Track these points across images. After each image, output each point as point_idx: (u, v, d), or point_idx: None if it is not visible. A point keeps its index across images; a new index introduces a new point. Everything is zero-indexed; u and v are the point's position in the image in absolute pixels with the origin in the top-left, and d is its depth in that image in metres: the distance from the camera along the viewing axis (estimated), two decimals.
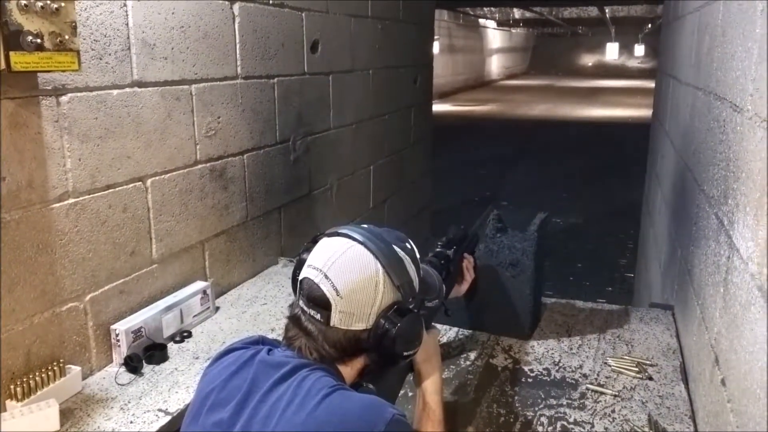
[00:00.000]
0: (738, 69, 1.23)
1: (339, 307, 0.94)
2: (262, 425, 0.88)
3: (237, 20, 2.08)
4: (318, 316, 0.95)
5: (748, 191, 1.06)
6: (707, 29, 1.73)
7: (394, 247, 1.00)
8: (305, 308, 0.97)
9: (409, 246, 1.05)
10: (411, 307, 0.99)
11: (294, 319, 0.99)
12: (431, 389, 1.11)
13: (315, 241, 1.03)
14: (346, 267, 0.95)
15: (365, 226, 1.03)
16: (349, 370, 1.00)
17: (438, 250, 1.45)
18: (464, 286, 1.53)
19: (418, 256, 1.06)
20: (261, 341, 1.03)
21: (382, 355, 0.98)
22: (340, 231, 1.01)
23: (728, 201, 1.22)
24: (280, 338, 1.02)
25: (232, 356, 0.99)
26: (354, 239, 0.98)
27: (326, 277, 0.95)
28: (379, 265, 0.96)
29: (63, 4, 1.32)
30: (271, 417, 0.88)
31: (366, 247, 0.97)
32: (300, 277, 0.99)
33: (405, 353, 0.99)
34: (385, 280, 0.96)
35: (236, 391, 0.93)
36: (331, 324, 0.94)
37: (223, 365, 0.99)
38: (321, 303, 0.94)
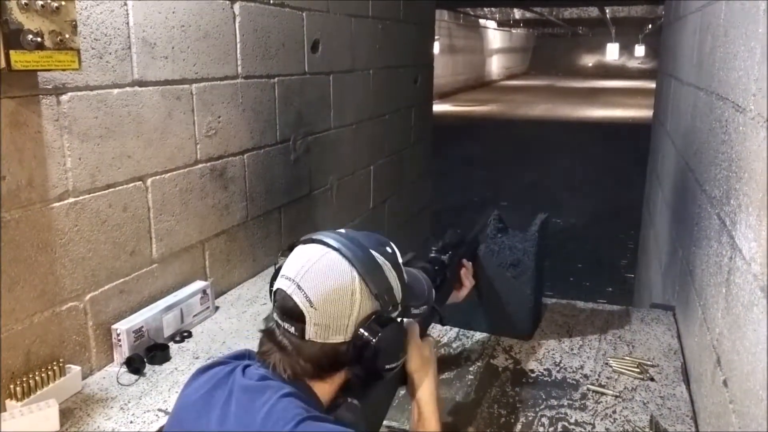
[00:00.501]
0: (740, 69, 1.23)
1: (314, 319, 0.88)
2: None
3: (237, 20, 2.08)
4: (292, 330, 0.89)
5: (751, 191, 1.06)
6: (709, 29, 1.73)
7: (373, 252, 0.94)
8: (279, 321, 0.92)
9: (389, 250, 0.99)
10: (393, 315, 0.94)
11: (268, 333, 0.94)
12: (426, 399, 1.06)
13: (291, 248, 0.97)
14: (319, 276, 0.89)
15: (343, 231, 0.98)
16: (327, 387, 0.95)
17: (432, 255, 1.40)
18: (463, 292, 1.48)
19: (400, 260, 1.00)
20: (246, 355, 0.98)
21: (363, 368, 0.92)
22: (314, 237, 0.95)
23: (730, 201, 1.22)
24: None
25: (210, 373, 0.95)
26: (328, 245, 0.92)
27: (299, 287, 0.89)
28: (355, 272, 0.90)
29: (63, 3, 1.31)
30: None
31: (341, 253, 0.91)
32: (274, 288, 0.95)
33: (387, 366, 0.94)
34: (362, 288, 0.90)
35: (206, 413, 0.89)
36: (307, 337, 0.89)
37: (199, 383, 0.95)
38: (294, 315, 0.89)
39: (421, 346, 1.09)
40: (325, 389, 0.94)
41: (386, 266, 0.95)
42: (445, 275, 1.38)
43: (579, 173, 8.46)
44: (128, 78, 1.65)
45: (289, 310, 0.90)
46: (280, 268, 0.95)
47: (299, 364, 0.90)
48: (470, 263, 1.51)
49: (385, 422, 1.17)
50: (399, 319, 0.96)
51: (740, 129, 1.19)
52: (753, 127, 1.07)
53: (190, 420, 0.91)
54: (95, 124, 1.56)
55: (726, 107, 1.35)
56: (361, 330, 0.90)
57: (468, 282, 1.48)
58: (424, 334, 1.15)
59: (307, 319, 0.88)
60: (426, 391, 1.07)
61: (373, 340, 0.89)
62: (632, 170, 5.76)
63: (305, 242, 0.96)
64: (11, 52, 1.22)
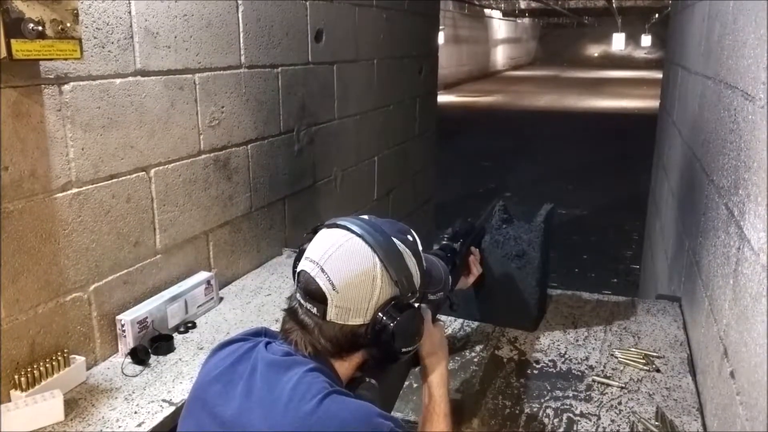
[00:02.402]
0: (750, 57, 1.21)
1: (335, 301, 0.91)
2: (247, 422, 0.87)
3: (240, 9, 2.06)
4: (314, 310, 0.93)
5: (760, 181, 1.04)
6: (718, 17, 1.70)
7: (394, 239, 0.97)
8: (302, 301, 0.95)
9: (410, 238, 1.01)
10: (411, 302, 0.97)
11: (291, 312, 0.97)
12: (437, 382, 1.09)
13: (315, 232, 1.00)
14: (342, 260, 0.93)
15: (366, 217, 1.01)
16: (346, 365, 0.97)
17: (444, 243, 1.44)
18: (470, 279, 1.52)
19: (420, 248, 1.03)
20: (263, 333, 1.02)
21: (380, 351, 0.96)
22: (339, 222, 0.98)
23: (739, 191, 1.20)
24: None
25: (230, 348, 0.98)
26: (352, 231, 0.95)
27: (322, 270, 0.92)
28: (377, 258, 0.93)
29: None
30: (258, 415, 0.87)
31: (364, 239, 0.94)
32: (298, 269, 0.97)
33: (404, 350, 0.97)
34: (382, 275, 0.93)
35: (231, 387, 0.92)
36: (328, 318, 0.92)
37: (220, 357, 0.97)
38: (317, 297, 0.92)
39: (432, 331, 1.12)
40: (344, 367, 0.97)
41: (407, 253, 0.97)
42: (455, 262, 1.41)
43: (584, 164, 8.42)
44: (131, 68, 1.64)
45: (312, 292, 0.92)
46: (304, 250, 0.98)
47: (320, 343, 0.93)
48: (477, 250, 1.54)
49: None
50: (417, 305, 0.98)
51: (749, 118, 1.17)
52: (762, 116, 1.06)
53: (214, 393, 0.93)
54: (98, 114, 1.55)
55: (735, 96, 1.33)
56: (380, 314, 0.93)
57: (476, 269, 1.52)
58: (434, 319, 1.17)
59: (329, 301, 0.91)
60: (437, 374, 1.10)
61: (391, 324, 0.92)
62: (638, 161, 5.73)
63: (330, 226, 0.98)
64: (12, 41, 1.21)
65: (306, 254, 0.97)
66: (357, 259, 0.93)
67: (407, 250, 0.98)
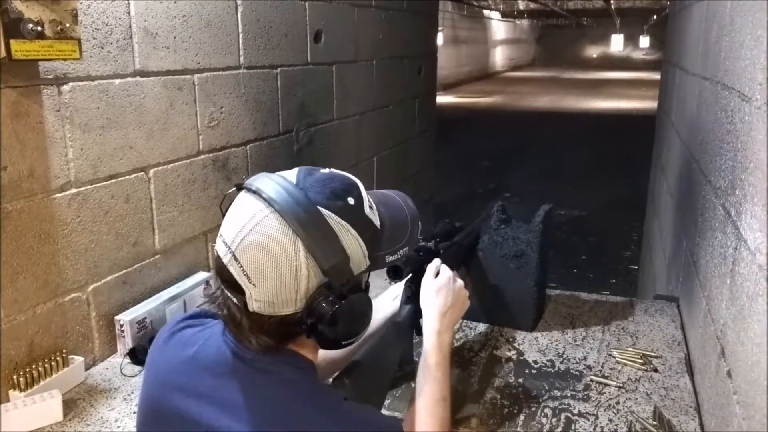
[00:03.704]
0: (747, 58, 1.21)
1: (254, 295, 0.78)
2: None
3: (240, 9, 2.06)
4: (235, 300, 0.80)
5: (757, 181, 1.05)
6: (715, 18, 1.71)
7: (324, 212, 0.79)
8: (222, 287, 0.82)
9: (351, 201, 0.83)
10: (353, 286, 0.82)
11: (215, 297, 0.85)
12: (427, 336, 1.04)
13: (239, 190, 0.83)
14: (256, 248, 0.77)
15: (294, 175, 0.84)
16: (307, 347, 0.87)
17: (420, 244, 1.34)
18: None
19: (367, 208, 0.85)
20: (204, 314, 0.95)
21: (320, 341, 0.82)
22: (255, 186, 0.80)
23: (736, 192, 1.21)
24: None
25: (184, 338, 0.91)
26: (269, 204, 0.78)
27: (235, 258, 0.78)
28: (299, 244, 0.76)
29: None
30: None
31: (283, 217, 0.77)
32: (215, 246, 0.82)
33: (344, 342, 0.84)
34: (308, 263, 0.77)
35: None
36: (251, 310, 0.79)
37: (175, 350, 0.90)
38: (234, 287, 0.79)
39: (433, 283, 1.09)
40: (306, 349, 0.87)
41: (342, 228, 0.80)
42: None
43: (583, 164, 8.43)
44: (130, 68, 1.64)
45: (228, 280, 0.80)
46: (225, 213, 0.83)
47: (258, 338, 0.81)
48: (461, 268, 1.43)
49: (387, 412, 1.17)
50: (362, 285, 0.86)
51: (746, 119, 1.18)
52: (759, 117, 1.06)
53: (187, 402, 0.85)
54: (97, 114, 1.55)
55: (732, 97, 1.34)
56: (314, 302, 0.79)
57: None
58: (417, 270, 1.14)
59: (247, 294, 0.78)
60: (431, 328, 1.05)
61: (327, 315, 0.79)
62: (636, 161, 5.73)
63: (248, 190, 0.81)
64: (11, 41, 1.22)
65: (221, 229, 0.81)
66: (274, 245, 0.76)
67: (343, 222, 0.80)
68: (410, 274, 1.25)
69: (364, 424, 0.85)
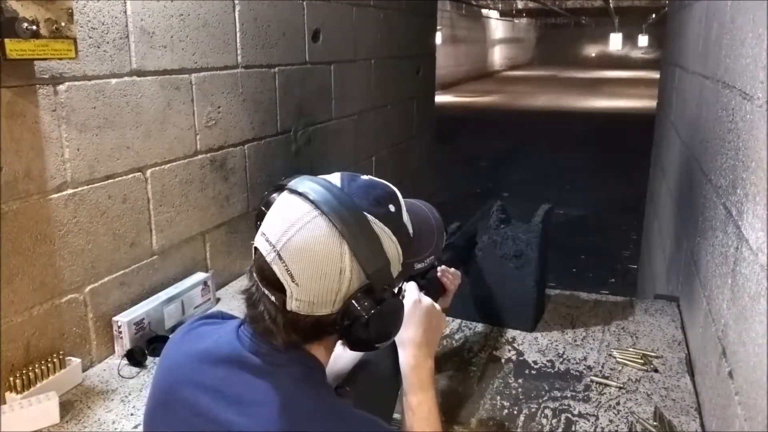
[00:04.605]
0: (748, 56, 1.20)
1: (295, 294, 0.79)
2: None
3: (237, 8, 2.05)
4: (273, 298, 0.81)
5: (758, 180, 1.04)
6: (715, 16, 1.70)
7: (369, 218, 0.81)
8: (260, 285, 0.83)
9: (392, 209, 0.86)
10: (389, 290, 0.84)
11: (250, 294, 0.85)
12: (405, 366, 1.00)
13: (278, 190, 0.85)
14: (303, 248, 0.78)
15: (338, 179, 0.85)
16: (323, 350, 0.88)
17: None
18: (448, 298, 1.36)
19: (405, 216, 0.88)
20: (220, 316, 0.96)
21: (351, 342, 0.85)
22: (301, 189, 0.82)
23: (737, 191, 1.20)
24: None
25: (202, 333, 0.92)
26: (317, 206, 0.79)
27: (279, 257, 0.78)
28: (345, 247, 0.78)
29: None
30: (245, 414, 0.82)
31: (330, 220, 0.78)
32: (254, 244, 0.84)
33: (377, 345, 0.86)
34: (351, 267, 0.79)
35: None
36: (289, 309, 0.80)
37: (193, 345, 0.90)
38: (275, 285, 0.80)
39: (406, 313, 1.03)
40: (320, 352, 0.88)
41: (385, 234, 0.82)
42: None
43: (582, 164, 8.42)
44: (126, 68, 1.63)
45: (269, 279, 0.80)
46: (263, 214, 0.85)
47: (288, 335, 0.82)
48: (454, 270, 1.38)
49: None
50: (397, 291, 0.87)
51: (747, 117, 1.17)
52: (761, 115, 1.05)
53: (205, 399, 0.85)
54: (93, 114, 1.54)
55: (733, 95, 1.33)
56: (351, 304, 0.80)
57: (452, 286, 1.36)
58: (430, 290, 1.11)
59: (288, 292, 0.79)
60: (406, 364, 1.01)
61: (364, 317, 0.80)
62: (635, 161, 5.73)
63: (292, 192, 0.83)
64: (6, 40, 1.21)
65: (262, 228, 0.83)
66: (321, 247, 0.78)
67: (385, 229, 0.83)
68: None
69: (367, 427, 0.84)
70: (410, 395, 1.01)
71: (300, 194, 0.82)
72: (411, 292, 1.11)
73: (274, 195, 0.86)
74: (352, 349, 0.87)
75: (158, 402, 0.91)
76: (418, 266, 0.95)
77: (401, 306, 0.87)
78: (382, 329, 0.84)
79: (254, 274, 0.84)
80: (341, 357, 1.09)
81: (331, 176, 0.87)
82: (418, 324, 1.06)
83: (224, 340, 0.88)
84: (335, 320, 0.82)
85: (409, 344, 1.05)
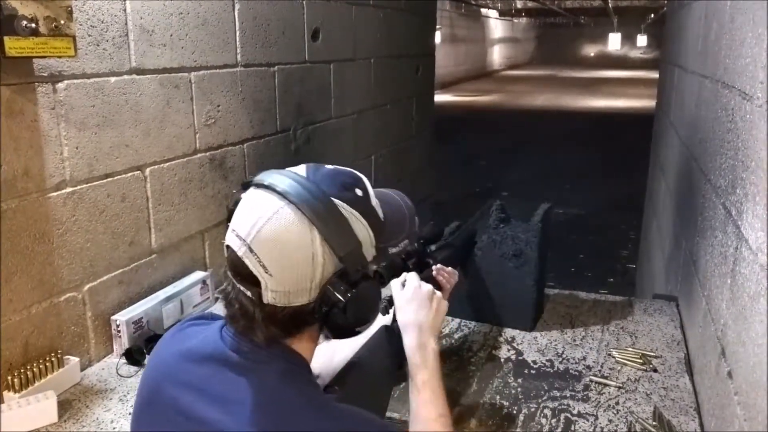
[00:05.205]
0: (747, 56, 1.20)
1: (270, 285, 0.79)
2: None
3: (237, 7, 2.05)
4: (248, 294, 0.81)
5: (758, 180, 1.04)
6: (715, 16, 1.70)
7: (337, 202, 0.82)
8: (234, 281, 0.83)
9: (359, 193, 0.86)
10: (365, 271, 0.84)
11: (227, 294, 0.85)
12: (412, 358, 1.00)
13: (245, 188, 0.85)
14: (273, 238, 0.78)
15: (304, 170, 0.87)
16: (305, 344, 0.88)
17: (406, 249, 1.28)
18: (445, 296, 1.30)
19: (374, 200, 0.89)
20: (209, 317, 0.96)
21: (331, 329, 0.85)
22: (267, 182, 0.82)
23: (736, 191, 1.20)
24: None
25: (189, 334, 0.91)
26: (284, 197, 0.80)
27: (250, 250, 0.79)
28: (315, 232, 0.79)
29: None
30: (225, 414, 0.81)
31: (299, 208, 0.79)
32: (225, 243, 0.83)
33: (358, 328, 0.87)
34: (323, 251, 0.79)
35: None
36: (265, 302, 0.80)
37: (181, 345, 0.90)
38: (249, 279, 0.80)
39: (400, 297, 1.07)
40: (302, 346, 0.88)
41: (353, 217, 0.83)
42: (411, 265, 1.28)
43: (581, 163, 8.42)
44: (126, 66, 1.63)
45: (241, 273, 0.81)
46: (232, 212, 0.84)
47: (268, 329, 0.83)
48: (450, 269, 1.38)
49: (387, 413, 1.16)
50: (373, 273, 0.87)
51: (747, 117, 1.17)
52: (761, 115, 1.05)
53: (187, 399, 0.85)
54: (92, 112, 1.54)
55: (732, 95, 1.33)
56: (327, 291, 0.81)
57: (448, 284, 1.35)
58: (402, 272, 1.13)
59: (263, 285, 0.79)
60: (411, 345, 1.02)
61: (341, 302, 0.81)
62: (634, 160, 5.73)
63: (259, 186, 0.83)
64: (5, 38, 1.21)
65: (231, 225, 0.83)
66: (291, 235, 0.79)
67: (354, 212, 0.84)
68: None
69: (356, 422, 0.84)
70: (415, 376, 1.01)
71: (266, 187, 0.82)
72: (412, 279, 1.13)
73: (243, 193, 0.86)
74: (334, 337, 0.87)
75: (144, 401, 0.92)
76: (393, 250, 0.95)
77: (377, 289, 0.88)
78: (360, 313, 0.84)
79: (228, 273, 0.84)
80: (337, 356, 1.09)
81: (296, 168, 0.88)
82: (420, 307, 1.08)
83: (209, 339, 0.88)
84: (314, 308, 0.82)
85: (412, 326, 1.06)
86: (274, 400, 0.81)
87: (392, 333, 1.15)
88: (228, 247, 0.83)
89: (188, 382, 0.86)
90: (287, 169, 0.87)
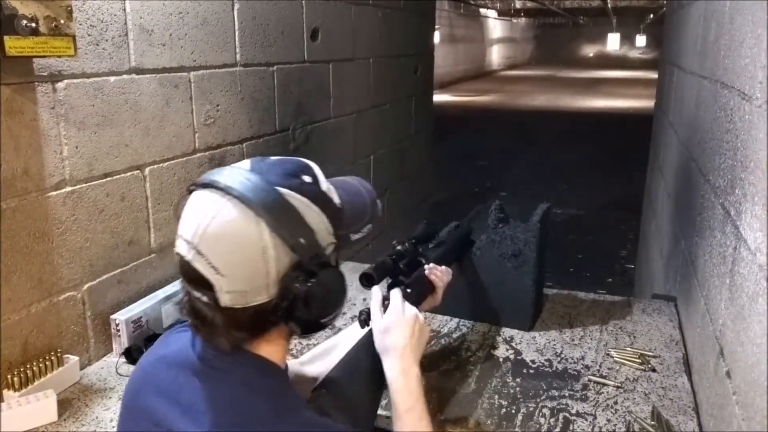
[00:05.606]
0: (747, 56, 1.21)
1: (224, 287, 0.76)
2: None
3: (236, 6, 2.05)
4: (205, 299, 0.77)
5: (757, 180, 1.04)
6: (714, 16, 1.70)
7: (282, 190, 0.78)
8: (189, 289, 0.79)
9: (308, 179, 0.83)
10: (323, 259, 0.81)
11: (184, 303, 0.82)
12: (393, 381, 0.99)
13: (190, 192, 0.81)
14: (219, 235, 0.75)
15: (247, 164, 0.83)
16: (274, 346, 0.85)
17: (397, 249, 1.29)
18: (438, 295, 1.35)
19: (324, 186, 0.85)
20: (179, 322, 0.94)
21: (298, 324, 0.81)
22: (208, 180, 0.79)
23: (735, 191, 1.20)
24: None
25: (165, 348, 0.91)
26: (226, 192, 0.76)
27: (199, 253, 0.75)
28: (262, 224, 0.75)
29: None
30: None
31: (242, 201, 0.76)
32: (175, 250, 0.80)
33: (323, 320, 0.83)
34: (274, 242, 0.76)
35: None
36: (223, 305, 0.76)
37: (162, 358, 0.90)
38: (202, 284, 0.77)
39: (380, 324, 1.04)
40: (271, 348, 0.84)
41: (303, 204, 0.80)
42: (403, 265, 1.27)
43: (579, 163, 8.43)
44: (125, 65, 1.63)
45: (194, 279, 0.77)
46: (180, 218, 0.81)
47: (231, 334, 0.80)
48: (444, 267, 1.37)
49: (382, 412, 1.16)
50: (334, 259, 0.84)
51: (746, 117, 1.17)
52: (760, 116, 1.06)
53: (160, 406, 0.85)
54: (92, 112, 1.54)
55: (731, 95, 1.33)
56: (286, 284, 0.77)
57: (441, 282, 1.35)
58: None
59: (217, 287, 0.76)
60: (392, 371, 1.00)
61: (302, 293, 0.78)
62: (633, 160, 5.74)
63: (201, 186, 0.80)
64: (5, 37, 1.21)
65: (178, 231, 0.79)
66: (237, 230, 0.75)
67: (302, 199, 0.80)
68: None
69: (324, 429, 0.82)
70: (399, 404, 1.00)
71: (208, 186, 0.79)
72: (395, 299, 1.11)
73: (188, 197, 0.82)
74: (302, 332, 0.84)
75: (125, 407, 0.92)
76: (355, 236, 0.91)
77: (340, 276, 0.84)
78: (323, 303, 0.81)
79: (182, 281, 0.81)
80: (334, 357, 1.10)
81: (241, 162, 0.85)
82: (402, 332, 1.05)
83: (183, 345, 0.87)
84: (275, 305, 0.78)
85: (394, 351, 1.04)
86: (235, 409, 0.80)
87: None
88: (178, 254, 0.79)
89: (162, 390, 0.85)
90: (232, 165, 0.84)
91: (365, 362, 1.07)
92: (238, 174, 0.79)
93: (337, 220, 0.84)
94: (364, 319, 1.14)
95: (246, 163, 0.83)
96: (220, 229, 0.75)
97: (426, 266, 1.34)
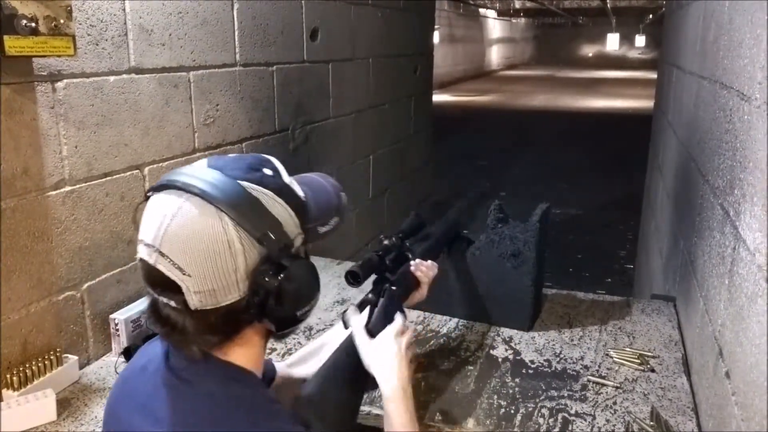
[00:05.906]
0: (746, 57, 1.21)
1: (191, 287, 0.73)
2: None
3: (236, 6, 2.05)
4: (173, 303, 0.75)
5: (756, 181, 1.04)
6: (713, 17, 1.70)
7: (243, 184, 0.76)
8: (155, 295, 0.77)
9: (269, 172, 0.81)
10: (292, 252, 0.78)
11: (151, 310, 0.79)
12: (388, 394, 1.00)
13: (148, 198, 0.79)
14: (182, 233, 0.72)
15: (204, 163, 0.81)
16: (249, 349, 0.82)
17: (384, 243, 1.28)
18: (424, 290, 1.33)
19: (286, 179, 0.83)
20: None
21: (273, 321, 0.79)
22: (165, 181, 0.77)
23: (734, 191, 1.20)
24: None
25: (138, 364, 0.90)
26: (185, 190, 0.74)
27: (161, 254, 0.73)
28: (225, 218, 0.73)
29: None
30: None
31: (202, 197, 0.73)
32: (137, 256, 0.77)
33: (299, 313, 0.80)
34: (239, 236, 0.73)
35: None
36: (192, 308, 0.74)
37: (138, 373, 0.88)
38: (169, 287, 0.74)
39: (376, 340, 1.05)
40: (246, 353, 0.82)
41: (266, 196, 0.78)
42: (389, 261, 1.27)
43: (579, 164, 8.43)
44: (125, 65, 1.63)
45: (159, 283, 0.74)
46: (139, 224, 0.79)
47: (202, 339, 0.77)
48: (430, 262, 1.35)
49: (369, 408, 1.16)
50: (303, 251, 0.82)
51: (745, 118, 1.17)
52: (759, 116, 1.06)
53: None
54: (91, 111, 1.54)
55: (730, 96, 1.33)
56: (257, 279, 0.75)
57: (426, 278, 1.33)
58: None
59: (184, 288, 0.73)
60: (387, 386, 1.01)
61: (274, 289, 0.75)
62: (632, 160, 5.74)
63: (158, 189, 0.77)
64: (5, 37, 1.20)
65: (139, 235, 0.76)
66: (199, 226, 0.72)
67: (265, 191, 0.78)
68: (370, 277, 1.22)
69: None
70: (394, 423, 1.00)
71: (166, 187, 0.77)
72: (387, 335, 1.10)
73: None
74: (277, 329, 0.82)
75: (106, 412, 0.91)
76: (323, 229, 0.89)
77: (311, 267, 0.82)
78: (296, 296, 0.79)
79: (147, 288, 0.77)
80: (316, 361, 1.10)
81: (197, 161, 0.84)
82: (393, 357, 1.06)
83: (158, 355, 0.86)
84: (248, 303, 0.76)
85: (387, 373, 1.04)
86: (196, 423, 0.78)
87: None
88: (141, 259, 0.76)
89: (137, 401, 0.84)
90: (190, 164, 0.82)
91: (346, 364, 1.07)
92: (196, 171, 0.78)
93: (303, 212, 0.83)
94: (348, 319, 1.15)
95: (203, 162, 0.82)
96: (181, 227, 0.73)
97: (412, 262, 1.33)
